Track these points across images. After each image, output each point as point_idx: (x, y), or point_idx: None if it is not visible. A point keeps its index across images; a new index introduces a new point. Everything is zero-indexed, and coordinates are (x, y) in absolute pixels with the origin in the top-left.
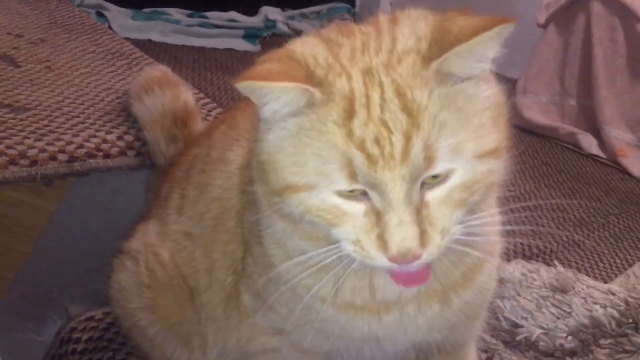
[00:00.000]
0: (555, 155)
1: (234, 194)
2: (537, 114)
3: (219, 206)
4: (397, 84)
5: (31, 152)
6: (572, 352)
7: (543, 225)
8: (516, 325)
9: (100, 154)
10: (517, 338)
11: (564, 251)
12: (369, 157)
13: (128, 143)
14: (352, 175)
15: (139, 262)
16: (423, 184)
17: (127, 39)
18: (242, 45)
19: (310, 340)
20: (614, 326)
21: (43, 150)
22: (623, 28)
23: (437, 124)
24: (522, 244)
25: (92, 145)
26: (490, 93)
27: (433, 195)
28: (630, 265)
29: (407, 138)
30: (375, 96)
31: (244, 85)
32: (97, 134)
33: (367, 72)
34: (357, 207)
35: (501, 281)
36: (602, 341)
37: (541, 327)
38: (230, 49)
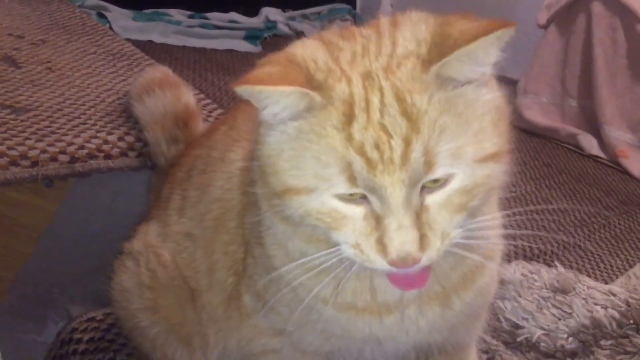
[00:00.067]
0: (555, 156)
1: (234, 194)
2: (537, 114)
3: (219, 207)
4: (397, 88)
5: (32, 153)
6: (573, 353)
7: (544, 227)
8: (517, 326)
9: (101, 154)
10: (518, 339)
11: (564, 252)
12: (368, 161)
13: (129, 144)
14: (352, 179)
15: (140, 263)
16: (423, 187)
17: (128, 40)
18: (243, 46)
19: (311, 340)
20: (614, 327)
21: (44, 151)
22: (624, 29)
23: (437, 129)
24: (522, 245)
25: (93, 146)
26: (490, 97)
27: (433, 199)
28: (631, 266)
29: (407, 142)
30: (375, 100)
31: (243, 89)
32: (98, 135)
33: (367, 76)
34: (357, 211)
35: (502, 282)
36: (603, 342)
37: (542, 328)
38: (231, 50)
